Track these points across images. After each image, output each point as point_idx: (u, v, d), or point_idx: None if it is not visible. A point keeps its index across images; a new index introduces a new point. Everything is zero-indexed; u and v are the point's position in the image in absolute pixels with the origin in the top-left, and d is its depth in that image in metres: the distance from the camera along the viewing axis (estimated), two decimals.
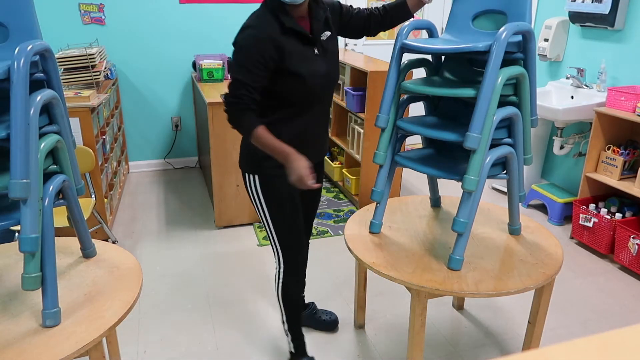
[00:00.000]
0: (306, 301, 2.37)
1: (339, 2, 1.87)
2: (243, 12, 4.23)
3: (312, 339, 2.28)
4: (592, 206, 3.12)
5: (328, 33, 1.76)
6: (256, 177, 1.83)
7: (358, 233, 1.96)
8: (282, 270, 1.97)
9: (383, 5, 1.88)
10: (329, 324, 2.37)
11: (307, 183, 1.63)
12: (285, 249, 1.93)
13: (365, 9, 1.90)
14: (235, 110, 1.68)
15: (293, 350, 2.10)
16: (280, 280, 1.98)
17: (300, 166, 1.63)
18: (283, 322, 2.07)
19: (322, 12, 1.74)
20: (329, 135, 4.04)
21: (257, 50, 1.60)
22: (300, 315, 2.16)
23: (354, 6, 1.89)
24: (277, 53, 1.61)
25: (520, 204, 1.91)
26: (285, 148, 1.66)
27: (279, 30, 1.63)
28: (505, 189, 3.90)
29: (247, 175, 1.86)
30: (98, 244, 1.78)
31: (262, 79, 1.63)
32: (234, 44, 1.65)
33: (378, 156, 1.84)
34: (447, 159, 1.90)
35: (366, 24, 1.89)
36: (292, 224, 1.89)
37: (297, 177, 1.63)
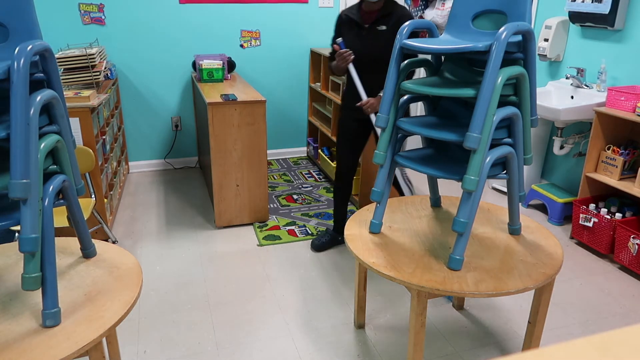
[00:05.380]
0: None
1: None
2: (243, 12, 4.23)
3: (313, 339, 2.28)
4: (592, 206, 3.12)
5: (383, 27, 2.58)
6: None
7: (358, 233, 1.96)
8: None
9: None
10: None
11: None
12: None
13: None
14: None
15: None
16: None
17: None
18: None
19: (387, 17, 2.57)
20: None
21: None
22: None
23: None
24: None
25: (520, 204, 1.91)
26: None
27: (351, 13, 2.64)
28: (505, 189, 3.91)
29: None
30: (98, 244, 1.78)
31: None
32: None
33: (378, 156, 1.84)
34: (447, 159, 1.91)
35: None
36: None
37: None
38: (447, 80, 1.84)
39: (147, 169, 4.49)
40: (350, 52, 2.60)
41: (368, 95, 2.70)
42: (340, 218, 3.07)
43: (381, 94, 2.50)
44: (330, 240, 3.09)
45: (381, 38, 2.59)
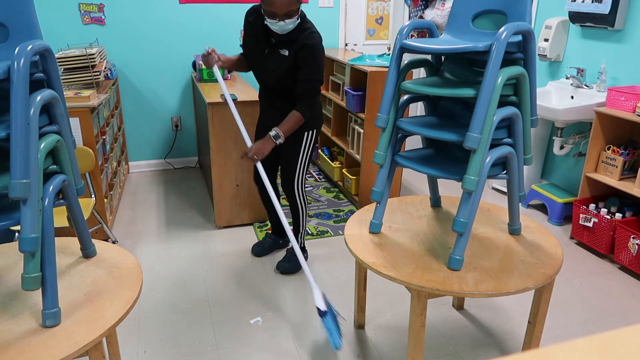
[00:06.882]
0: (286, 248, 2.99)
1: (304, 59, 2.37)
2: (243, 12, 4.22)
3: (313, 339, 2.28)
4: (592, 206, 3.12)
5: (286, 52, 2.37)
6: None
7: (358, 233, 1.96)
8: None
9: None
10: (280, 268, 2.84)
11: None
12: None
13: (299, 86, 2.41)
14: None
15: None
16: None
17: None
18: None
19: (292, 43, 2.35)
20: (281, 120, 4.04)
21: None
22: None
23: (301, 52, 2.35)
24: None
25: (520, 204, 1.91)
26: None
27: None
28: (505, 189, 3.91)
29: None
30: (98, 244, 1.78)
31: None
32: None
33: (378, 156, 1.84)
34: (447, 159, 1.91)
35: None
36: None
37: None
38: (447, 80, 1.84)
39: (147, 169, 4.49)
40: (213, 54, 2.40)
41: (278, 120, 2.43)
42: (273, 222, 3.02)
43: (271, 133, 2.39)
44: (271, 244, 3.02)
45: (282, 63, 2.40)
